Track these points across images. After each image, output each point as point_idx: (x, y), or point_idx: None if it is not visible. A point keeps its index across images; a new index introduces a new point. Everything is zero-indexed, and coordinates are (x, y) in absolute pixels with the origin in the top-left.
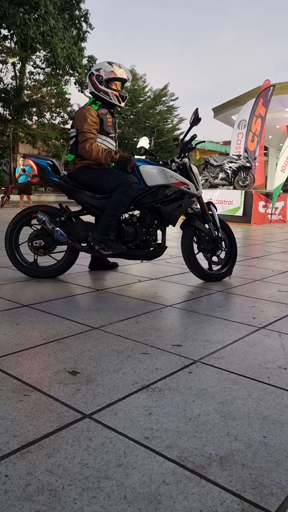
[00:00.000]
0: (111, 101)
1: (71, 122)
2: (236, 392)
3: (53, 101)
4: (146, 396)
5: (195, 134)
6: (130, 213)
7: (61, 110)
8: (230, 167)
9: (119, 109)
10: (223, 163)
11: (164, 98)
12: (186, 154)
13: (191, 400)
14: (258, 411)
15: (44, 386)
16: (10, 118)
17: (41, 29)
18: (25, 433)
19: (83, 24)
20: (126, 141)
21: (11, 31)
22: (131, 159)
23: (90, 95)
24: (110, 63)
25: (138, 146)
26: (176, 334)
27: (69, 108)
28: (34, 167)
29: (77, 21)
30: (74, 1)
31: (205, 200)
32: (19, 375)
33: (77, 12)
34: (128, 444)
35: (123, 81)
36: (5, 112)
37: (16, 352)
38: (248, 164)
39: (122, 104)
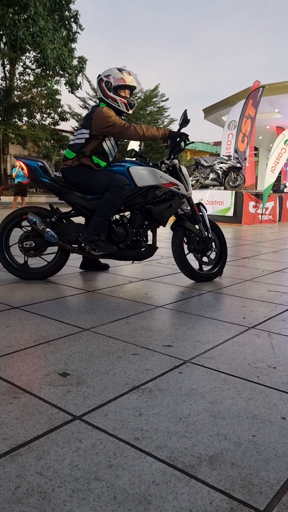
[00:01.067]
0: (119, 108)
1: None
2: (226, 392)
3: (43, 102)
4: (136, 397)
5: (186, 134)
6: (121, 213)
7: (51, 111)
8: (220, 167)
9: (126, 116)
10: (214, 164)
11: (154, 99)
12: (176, 155)
13: (181, 400)
14: (248, 410)
15: (34, 388)
16: (0, 119)
17: (31, 30)
18: (15, 435)
19: (73, 25)
20: (118, 142)
21: (1, 32)
22: (181, 133)
23: (83, 94)
24: (120, 70)
25: (128, 148)
26: (166, 335)
27: (59, 109)
28: (25, 168)
29: (67, 22)
30: (63, 2)
31: (196, 201)
32: (9, 378)
33: (67, 13)
34: (118, 445)
35: (132, 88)
36: None
37: (6, 354)
38: (238, 165)
39: (130, 112)
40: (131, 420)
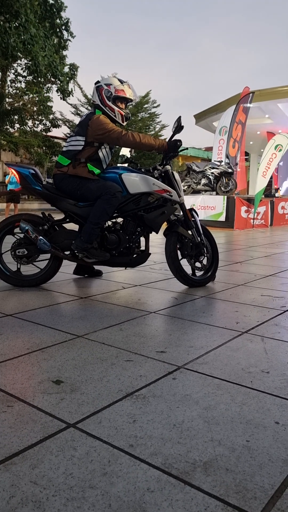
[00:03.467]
0: (115, 118)
1: (54, 129)
2: (220, 397)
3: (35, 109)
4: (130, 404)
5: (180, 140)
6: (113, 220)
7: (43, 118)
8: (212, 173)
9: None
10: (205, 169)
11: (146, 105)
12: (169, 161)
13: (175, 407)
14: (241, 415)
15: (28, 396)
16: None
17: (22, 37)
18: (9, 444)
19: (64, 32)
20: (112, 149)
21: None
22: (178, 141)
23: (75, 100)
24: (121, 82)
25: (120, 154)
26: (160, 341)
27: (51, 116)
28: (16, 176)
29: (58, 30)
30: (55, 10)
31: (188, 206)
32: (2, 386)
33: (58, 21)
34: (112, 453)
35: (129, 101)
36: None
37: None
38: (230, 170)
39: (124, 124)
40: (125, 427)
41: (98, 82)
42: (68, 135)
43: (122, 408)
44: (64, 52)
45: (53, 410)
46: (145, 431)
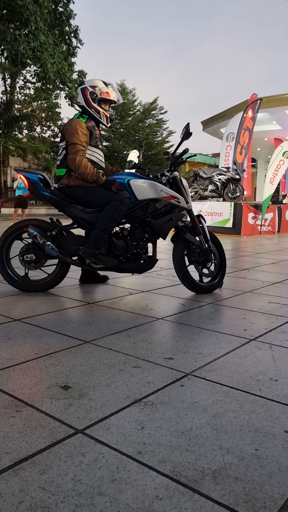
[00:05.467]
0: (99, 120)
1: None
2: (228, 405)
3: (43, 115)
4: (138, 410)
5: (187, 148)
6: (121, 226)
7: (51, 124)
8: (219, 179)
9: (104, 128)
10: (213, 175)
11: (153, 112)
12: (177, 167)
13: (183, 414)
14: (250, 423)
15: (36, 401)
16: (0, 132)
17: (32, 44)
18: (18, 449)
19: (73, 39)
20: (116, 154)
21: (2, 47)
22: (115, 181)
23: (78, 107)
24: (106, 84)
25: (127, 160)
26: (167, 347)
27: (59, 122)
28: (25, 181)
29: (67, 37)
30: (64, 18)
31: (195, 212)
32: (11, 391)
33: (67, 28)
34: (121, 459)
35: (113, 103)
36: None
37: (7, 367)
38: (237, 176)
39: (108, 125)
40: (133, 433)
41: (83, 83)
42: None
43: (130, 415)
44: (73, 59)
45: (61, 416)
46: (153, 438)
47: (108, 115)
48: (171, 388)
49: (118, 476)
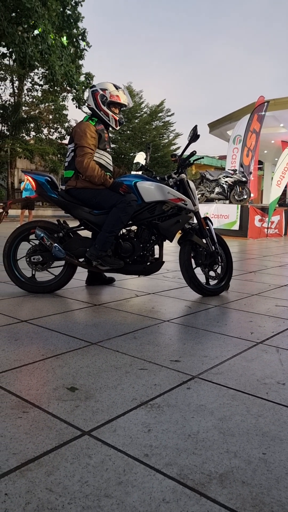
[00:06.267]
0: (108, 123)
1: (68, 137)
2: (235, 408)
3: (50, 117)
4: (145, 413)
5: (194, 151)
6: (128, 228)
7: (58, 126)
8: (226, 181)
9: (112, 131)
10: (219, 178)
11: (160, 114)
12: (184, 170)
13: (190, 417)
14: (257, 427)
15: (43, 402)
16: (8, 133)
17: (40, 47)
18: (25, 450)
19: (81, 42)
20: (122, 156)
21: (10, 49)
22: (122, 184)
23: (87, 109)
24: (116, 87)
25: (134, 162)
26: (174, 350)
27: (66, 124)
28: (33, 183)
29: (75, 40)
30: (72, 20)
31: (201, 215)
32: (18, 392)
33: (75, 31)
34: (127, 462)
35: (123, 106)
36: (3, 128)
37: (15, 368)
38: (244, 179)
39: (117, 128)
40: (140, 436)
41: (93, 86)
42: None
43: (136, 417)
44: (80, 62)
45: (68, 417)
46: (160, 441)
47: (117, 119)
48: (178, 390)
49: (125, 478)
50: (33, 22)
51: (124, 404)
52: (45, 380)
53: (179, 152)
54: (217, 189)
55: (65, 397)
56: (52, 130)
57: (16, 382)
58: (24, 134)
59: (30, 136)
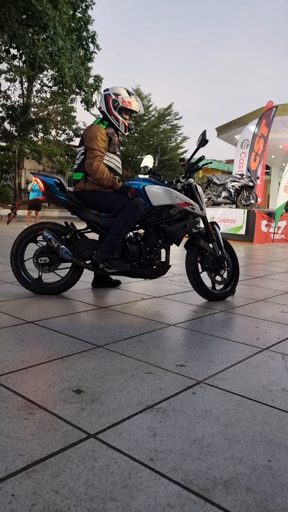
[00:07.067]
0: (118, 127)
1: (76, 139)
2: (240, 414)
3: (59, 118)
4: (150, 417)
5: (203, 155)
6: (135, 232)
7: (66, 127)
8: (233, 186)
9: (121, 135)
10: (226, 182)
11: (168, 117)
12: (192, 174)
13: (195, 422)
14: (263, 434)
15: (49, 404)
16: (16, 134)
17: (49, 49)
18: (31, 452)
19: (91, 45)
20: (129, 158)
21: (20, 51)
22: (131, 187)
23: (98, 111)
24: (129, 93)
25: (142, 165)
26: (179, 354)
27: (74, 126)
28: (41, 185)
29: (84, 42)
30: (82, 23)
31: (208, 219)
32: (24, 393)
33: (84, 34)
34: (133, 465)
35: (134, 112)
36: (12, 129)
37: (21, 369)
38: (251, 184)
39: (127, 133)
40: (145, 440)
41: (107, 89)
42: None
43: (142, 421)
44: (90, 64)
45: (74, 420)
46: (165, 445)
47: (126, 124)
48: (183, 395)
49: (130, 482)
50: (43, 24)
51: (130, 407)
52: (51, 382)
53: (186, 155)
54: (224, 193)
55: (71, 399)
56: (60, 132)
57: (23, 383)
58: (32, 135)
59: (38, 137)
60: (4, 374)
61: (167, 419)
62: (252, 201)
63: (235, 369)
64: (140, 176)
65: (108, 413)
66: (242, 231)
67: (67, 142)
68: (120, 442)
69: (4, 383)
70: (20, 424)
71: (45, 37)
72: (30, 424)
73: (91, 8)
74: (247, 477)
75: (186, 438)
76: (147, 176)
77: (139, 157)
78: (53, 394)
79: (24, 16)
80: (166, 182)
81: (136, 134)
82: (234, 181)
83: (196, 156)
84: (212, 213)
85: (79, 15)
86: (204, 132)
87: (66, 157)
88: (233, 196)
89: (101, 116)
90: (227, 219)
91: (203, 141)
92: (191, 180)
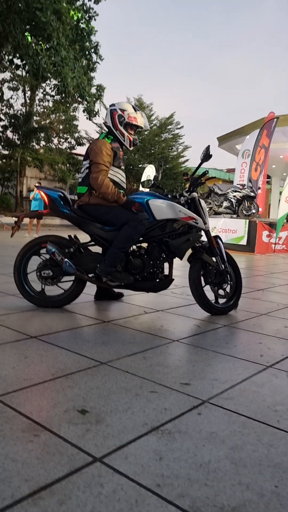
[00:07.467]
0: (123, 142)
1: (78, 147)
2: (246, 437)
3: (61, 127)
4: (156, 439)
5: (207, 170)
6: (138, 245)
7: (68, 136)
8: (234, 196)
9: (125, 149)
10: (228, 192)
11: (169, 126)
12: (196, 188)
13: (201, 445)
14: (269, 458)
15: (54, 425)
16: (18, 143)
17: (53, 59)
18: (37, 477)
19: (93, 55)
20: (131, 167)
21: (24, 61)
22: (135, 202)
23: (100, 120)
24: (135, 109)
25: (145, 178)
26: (184, 372)
27: (76, 134)
28: (45, 198)
29: (87, 52)
30: (85, 34)
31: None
32: (29, 413)
33: (87, 44)
34: (139, 492)
35: (139, 128)
36: (14, 137)
37: (25, 387)
38: (252, 194)
39: (131, 149)
40: (151, 464)
41: (113, 105)
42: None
43: (147, 444)
44: (92, 74)
45: (79, 442)
46: (171, 470)
47: (131, 139)
48: (188, 416)
49: (137, 510)
50: (47, 34)
51: (135, 429)
52: (56, 401)
53: (187, 164)
54: (225, 203)
55: (76, 420)
56: (62, 140)
57: (27, 402)
58: (34, 144)
59: (40, 146)
60: (8, 393)
61: (173, 442)
62: (254, 211)
63: (239, 388)
64: (144, 189)
65: (113, 435)
66: (244, 242)
67: (69, 151)
68: (126, 467)
69: (9, 402)
70: (25, 447)
71: (48, 47)
72: (35, 447)
73: (94, 19)
74: (255, 504)
75: (192, 462)
76: (150, 190)
77: (140, 166)
78: (57, 414)
79: (28, 26)
80: (169, 196)
81: (137, 143)
82: (235, 191)
83: (200, 171)
84: (213, 223)
85: (82, 25)
86: (208, 147)
87: (67, 165)
88: (234, 206)
89: (105, 129)
90: (229, 229)
91: (206, 156)
92: (194, 194)
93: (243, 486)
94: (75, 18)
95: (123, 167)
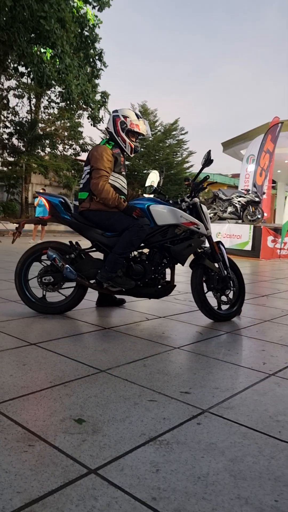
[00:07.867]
0: (124, 149)
1: (83, 153)
2: (247, 448)
3: (66, 133)
4: (153, 450)
5: (208, 175)
6: (139, 251)
7: (73, 143)
8: (239, 201)
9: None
10: (232, 197)
11: (174, 132)
12: (197, 194)
13: (200, 456)
14: (270, 470)
15: (49, 435)
16: (24, 149)
17: (57, 67)
18: (29, 489)
19: (98, 62)
20: (135, 173)
21: (29, 69)
22: (136, 208)
23: (102, 127)
24: (138, 116)
25: (149, 184)
26: (184, 380)
27: (81, 141)
28: (46, 204)
29: (91, 60)
30: (89, 41)
31: (213, 234)
32: (24, 422)
33: (92, 51)
34: (134, 506)
35: (141, 135)
36: (19, 144)
37: (22, 396)
38: (257, 199)
39: (132, 155)
40: (148, 476)
41: (116, 111)
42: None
43: (144, 455)
44: (97, 81)
45: (74, 453)
46: (168, 483)
47: (133, 146)
48: (187, 426)
49: None
50: (52, 42)
51: (132, 439)
52: (52, 410)
53: (192, 170)
54: (229, 209)
55: (72, 430)
56: (67, 147)
57: (23, 411)
58: (39, 150)
59: (45, 152)
60: (4, 402)
61: (171, 453)
62: (259, 216)
63: (241, 397)
64: (145, 195)
65: (110, 446)
66: (248, 247)
67: (73, 157)
68: (122, 479)
69: (4, 411)
70: (19, 457)
71: (52, 54)
72: (29, 458)
73: (98, 27)
74: None
75: (190, 474)
76: (152, 196)
77: (145, 171)
78: (53, 423)
79: (32, 35)
80: (171, 201)
81: (142, 149)
82: (240, 196)
83: (201, 176)
84: (218, 229)
85: (86, 33)
86: (209, 152)
87: (72, 171)
88: (239, 211)
89: (107, 135)
90: (233, 234)
91: (207, 161)
92: (196, 199)
93: (242, 500)
94: (89, 17)
95: (124, 173)
